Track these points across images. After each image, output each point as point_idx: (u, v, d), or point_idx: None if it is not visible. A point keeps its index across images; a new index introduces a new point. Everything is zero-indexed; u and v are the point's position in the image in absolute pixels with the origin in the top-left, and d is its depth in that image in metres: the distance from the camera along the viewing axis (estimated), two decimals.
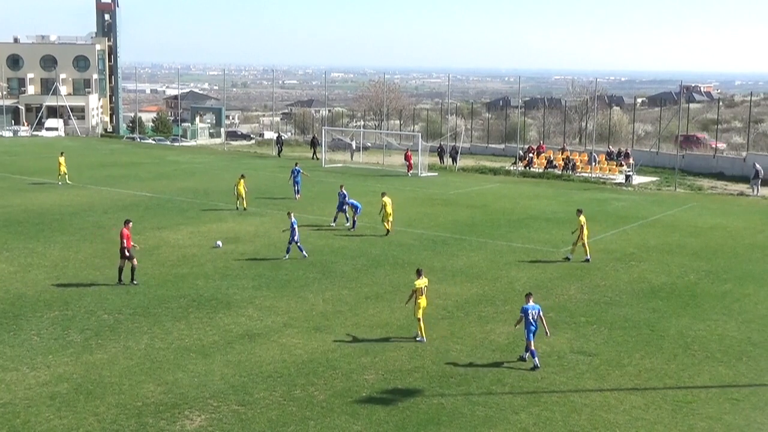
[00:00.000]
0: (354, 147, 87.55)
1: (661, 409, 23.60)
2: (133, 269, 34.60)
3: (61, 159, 63.03)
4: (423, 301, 28.54)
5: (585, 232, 39.35)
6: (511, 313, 30.98)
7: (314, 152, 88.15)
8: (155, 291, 33.52)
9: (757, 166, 65.73)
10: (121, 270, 34.54)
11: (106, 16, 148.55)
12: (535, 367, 26.30)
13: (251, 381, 24.90)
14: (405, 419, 22.61)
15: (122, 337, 28.20)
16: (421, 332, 28.42)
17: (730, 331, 29.94)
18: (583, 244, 39.44)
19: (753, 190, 64.11)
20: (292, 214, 39.14)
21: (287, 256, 38.52)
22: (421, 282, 28.63)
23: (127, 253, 34.21)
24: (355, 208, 43.94)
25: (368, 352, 27.28)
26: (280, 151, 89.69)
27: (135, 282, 34.41)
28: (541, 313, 26.90)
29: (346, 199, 45.17)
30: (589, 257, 39.32)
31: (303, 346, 27.74)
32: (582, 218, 39.49)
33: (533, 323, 26.68)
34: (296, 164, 58.78)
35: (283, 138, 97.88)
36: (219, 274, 36.11)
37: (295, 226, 38.29)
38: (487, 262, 38.69)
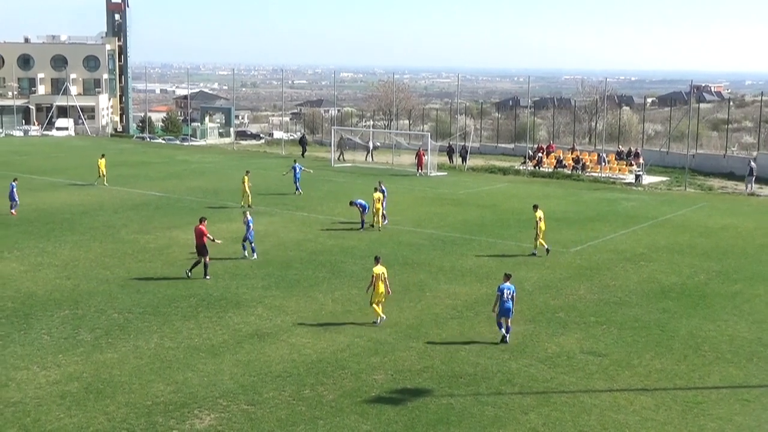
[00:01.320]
0: (372, 146, 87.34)
1: (671, 410, 23.59)
2: (205, 265, 35.33)
3: (102, 161, 63.27)
4: (380, 287, 29.52)
5: (541, 226, 39.90)
6: (520, 313, 30.94)
7: (303, 151, 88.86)
8: (165, 290, 33.58)
9: (752, 163, 65.67)
10: (205, 265, 35.45)
11: (116, 16, 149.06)
12: (503, 340, 28.19)
13: (260, 380, 24.93)
14: (414, 419, 22.62)
15: (132, 337, 28.26)
16: (378, 315, 29.85)
17: (741, 331, 29.90)
18: (536, 238, 40.18)
19: (746, 188, 64.08)
20: (248, 213, 39.14)
21: (245, 254, 38.80)
22: (378, 269, 29.62)
23: (205, 250, 35.29)
24: (363, 208, 43.94)
25: (377, 352, 27.31)
26: (304, 151, 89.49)
27: (207, 277, 35.11)
28: (514, 294, 28.42)
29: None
30: (536, 252, 40.16)
31: (312, 346, 27.77)
32: (539, 213, 40.06)
33: (507, 301, 28.16)
34: (295, 161, 60.13)
35: (306, 138, 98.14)
36: (228, 273, 36.15)
37: (251, 225, 38.31)
38: (497, 262, 38.68)
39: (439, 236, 43.79)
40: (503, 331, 28.32)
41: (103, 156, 64.37)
